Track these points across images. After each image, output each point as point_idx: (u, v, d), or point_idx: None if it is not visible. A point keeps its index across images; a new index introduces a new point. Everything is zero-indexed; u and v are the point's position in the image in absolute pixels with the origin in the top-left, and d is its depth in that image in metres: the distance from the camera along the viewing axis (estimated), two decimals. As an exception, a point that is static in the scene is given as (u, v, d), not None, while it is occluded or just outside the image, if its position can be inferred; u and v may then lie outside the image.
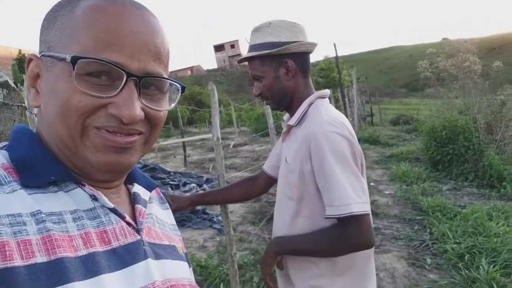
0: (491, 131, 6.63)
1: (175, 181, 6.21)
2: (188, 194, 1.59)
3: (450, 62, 6.83)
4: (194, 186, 6.06)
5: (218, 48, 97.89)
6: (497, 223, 3.98)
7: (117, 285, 0.48)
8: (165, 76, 0.55)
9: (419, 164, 7.33)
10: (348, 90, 13.21)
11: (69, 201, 0.51)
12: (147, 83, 0.53)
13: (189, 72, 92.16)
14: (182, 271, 0.61)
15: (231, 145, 11.92)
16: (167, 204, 0.72)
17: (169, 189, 5.69)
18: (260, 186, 1.64)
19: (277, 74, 1.27)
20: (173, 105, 0.58)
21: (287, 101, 1.31)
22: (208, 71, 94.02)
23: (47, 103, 0.52)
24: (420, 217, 4.56)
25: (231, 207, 4.77)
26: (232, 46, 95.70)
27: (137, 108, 0.50)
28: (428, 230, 4.20)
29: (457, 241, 3.69)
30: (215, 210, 4.96)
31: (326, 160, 1.13)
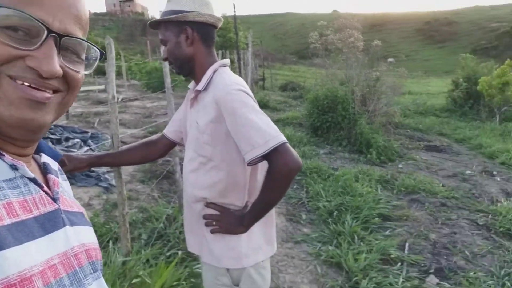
0: (365, 103, 7.44)
1: (57, 135, 5.75)
2: (84, 155, 1.55)
3: (337, 36, 7.39)
4: (78, 142, 5.69)
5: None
6: (362, 184, 4.60)
7: (41, 251, 0.50)
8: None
9: (302, 129, 7.93)
10: (244, 53, 13.38)
11: None
12: (66, 45, 0.53)
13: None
14: (92, 235, 0.65)
15: (119, 99, 11.30)
16: (65, 175, 0.73)
17: (50, 144, 5.27)
18: (159, 150, 1.71)
19: (178, 40, 1.38)
20: (90, 70, 0.59)
21: (189, 67, 1.43)
22: (95, 14, 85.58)
23: None
24: (299, 177, 5.02)
25: (119, 164, 4.64)
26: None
27: (57, 64, 0.50)
28: (305, 189, 4.67)
29: (329, 199, 4.19)
30: (101, 167, 4.78)
31: (237, 112, 1.28)
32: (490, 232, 3.79)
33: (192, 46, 1.39)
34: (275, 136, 1.27)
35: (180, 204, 3.47)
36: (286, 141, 1.29)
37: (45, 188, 0.57)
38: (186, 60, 1.40)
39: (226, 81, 1.35)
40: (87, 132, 6.49)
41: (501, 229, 3.79)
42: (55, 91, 0.54)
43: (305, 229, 3.71)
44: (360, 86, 7.68)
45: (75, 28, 0.53)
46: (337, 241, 3.39)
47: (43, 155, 0.65)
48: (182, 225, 3.14)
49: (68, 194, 0.67)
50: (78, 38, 0.54)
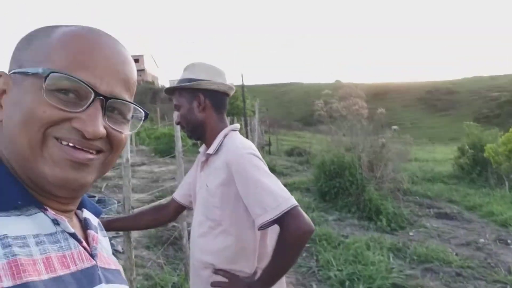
0: (372, 169, 7.44)
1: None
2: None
3: (342, 104, 7.60)
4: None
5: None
6: (374, 253, 4.46)
7: None
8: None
9: (309, 195, 7.87)
10: (251, 119, 13.74)
11: (32, 225, 0.51)
12: (112, 107, 0.56)
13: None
14: None
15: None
16: (105, 231, 0.74)
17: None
18: (169, 214, 1.71)
19: (191, 106, 1.45)
20: (135, 130, 0.61)
21: (199, 132, 1.48)
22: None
23: (11, 115, 0.52)
24: (308, 245, 4.89)
25: (125, 229, 4.57)
26: (137, 61, 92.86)
27: (101, 125, 0.53)
28: (315, 258, 4.52)
29: (340, 268, 4.04)
30: (108, 232, 4.70)
31: (249, 175, 1.29)
32: (511, 305, 3.59)
33: (204, 112, 1.45)
34: (287, 198, 1.27)
35: (186, 271, 3.37)
36: (298, 204, 1.29)
37: (84, 243, 0.58)
38: (197, 124, 1.46)
39: (238, 144, 1.39)
40: (94, 197, 6.48)
41: (523, 301, 3.60)
42: (98, 152, 0.56)
43: (316, 300, 3.54)
44: (366, 152, 7.74)
45: (122, 90, 0.56)
46: (351, 313, 3.22)
47: (84, 210, 0.66)
48: (188, 293, 3.02)
49: (106, 251, 0.67)
50: (124, 100, 0.57)
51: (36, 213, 0.53)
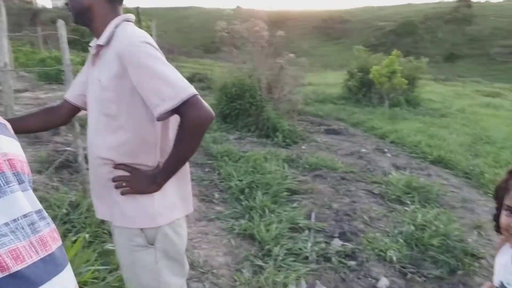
0: (270, 91, 7.72)
1: None
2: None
3: (243, 25, 7.53)
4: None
5: (-14, -27, 79.32)
6: (271, 164, 4.80)
7: None
8: None
9: (211, 117, 7.94)
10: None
11: None
12: None
13: None
14: (17, 149, 0.61)
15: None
16: None
17: None
18: (62, 116, 1.59)
19: None
20: None
21: (85, 18, 1.36)
22: (-30, 0, 75.33)
23: None
24: (210, 161, 5.06)
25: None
26: (6, -26, 79.16)
27: None
28: (217, 172, 4.72)
29: (240, 179, 4.29)
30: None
31: (143, 65, 1.23)
32: (384, 199, 4.23)
33: None
34: (186, 88, 1.24)
35: (84, 189, 3.28)
36: (197, 93, 1.27)
37: None
38: (83, 9, 1.34)
39: (129, 33, 1.30)
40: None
41: (393, 196, 4.25)
42: None
43: (218, 208, 3.76)
44: (266, 75, 7.94)
45: None
46: (249, 215, 3.50)
47: None
48: (87, 210, 2.98)
49: None
50: None
51: None
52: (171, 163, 1.33)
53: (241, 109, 7.16)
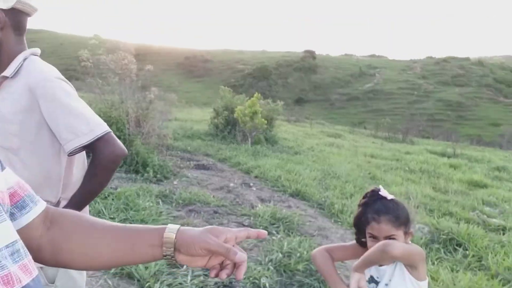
0: (139, 124, 7.59)
1: None
2: None
3: (111, 57, 7.34)
4: None
5: None
6: (143, 200, 4.71)
7: None
8: None
9: (72, 151, 7.39)
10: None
11: None
12: None
13: None
14: None
15: None
16: None
17: None
18: None
19: None
20: None
21: None
22: None
23: None
24: (76, 199, 4.71)
25: None
26: None
27: None
28: (84, 210, 4.42)
29: (112, 216, 4.11)
30: None
31: (57, 100, 1.25)
32: (253, 230, 4.53)
33: (1, 31, 1.29)
34: (100, 124, 1.30)
35: None
36: (110, 130, 1.33)
37: None
38: None
39: (43, 68, 1.32)
40: None
41: (261, 227, 4.58)
42: None
43: (89, 248, 3.54)
44: (133, 108, 7.80)
45: None
46: (126, 253, 3.38)
47: None
48: None
49: None
50: None
51: None
52: (79, 199, 1.34)
53: (108, 143, 6.85)
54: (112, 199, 4.64)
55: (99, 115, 5.02)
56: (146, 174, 6.21)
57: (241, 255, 0.73)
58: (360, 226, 1.56)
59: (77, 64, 8.29)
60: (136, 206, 4.42)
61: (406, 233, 1.49)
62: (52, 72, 1.31)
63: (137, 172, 6.43)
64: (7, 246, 0.56)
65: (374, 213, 1.47)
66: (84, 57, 7.49)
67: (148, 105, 7.84)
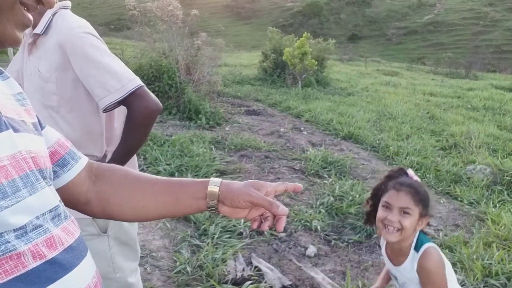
0: (189, 72, 7.65)
1: None
2: None
3: (156, 4, 7.30)
4: None
5: None
6: (197, 146, 4.86)
7: None
8: None
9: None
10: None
11: None
12: None
13: None
14: (39, 144, 0.62)
15: None
16: (6, 73, 0.67)
17: None
18: None
19: None
20: None
21: None
22: None
23: None
24: (134, 147, 4.95)
25: None
26: None
27: None
28: (142, 157, 4.65)
29: (168, 163, 4.30)
30: None
31: (87, 56, 1.22)
32: (305, 174, 4.55)
33: None
34: (132, 79, 1.25)
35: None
36: (143, 84, 1.29)
37: None
38: None
39: (72, 24, 1.27)
40: None
41: (312, 171, 4.59)
42: None
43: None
44: (182, 56, 7.83)
45: None
46: (182, 198, 3.55)
47: None
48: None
49: (6, 98, 0.63)
50: None
51: None
52: (120, 155, 1.33)
53: (160, 91, 7.00)
54: (168, 146, 4.83)
55: (151, 64, 5.11)
56: (199, 121, 6.35)
57: (283, 208, 0.75)
58: (376, 198, 1.52)
59: (126, 13, 8.35)
60: (190, 152, 4.57)
61: (421, 216, 1.42)
62: (80, 27, 1.27)
63: (190, 119, 6.59)
64: (50, 211, 0.59)
65: (396, 183, 1.44)
66: (131, 5, 7.51)
67: (197, 52, 7.83)
